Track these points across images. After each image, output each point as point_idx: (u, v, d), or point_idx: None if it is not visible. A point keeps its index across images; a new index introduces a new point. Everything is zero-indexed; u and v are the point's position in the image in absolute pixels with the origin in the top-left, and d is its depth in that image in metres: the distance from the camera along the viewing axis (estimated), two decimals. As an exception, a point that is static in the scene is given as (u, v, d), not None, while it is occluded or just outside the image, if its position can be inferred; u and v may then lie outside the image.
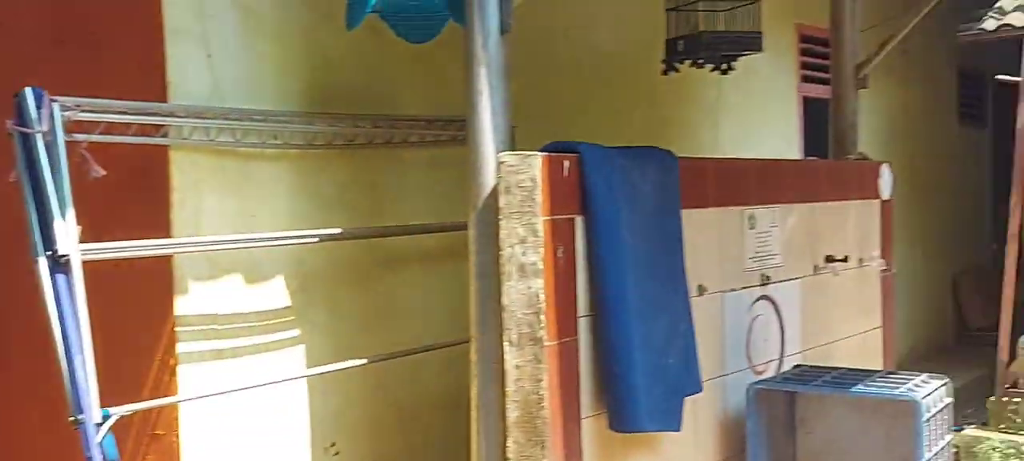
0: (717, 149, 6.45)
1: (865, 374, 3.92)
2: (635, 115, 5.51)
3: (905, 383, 3.67)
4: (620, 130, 4.91)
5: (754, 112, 6.96)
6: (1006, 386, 5.71)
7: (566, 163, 3.15)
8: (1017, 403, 5.67)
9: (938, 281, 9.50)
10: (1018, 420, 5.65)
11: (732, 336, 3.98)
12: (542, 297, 3.04)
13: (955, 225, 9.70)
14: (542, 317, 3.04)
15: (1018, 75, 5.70)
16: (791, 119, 7.43)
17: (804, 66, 7.46)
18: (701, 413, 3.72)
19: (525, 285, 3.07)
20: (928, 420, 3.51)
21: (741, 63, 5.14)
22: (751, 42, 4.99)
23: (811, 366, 4.17)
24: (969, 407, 7.19)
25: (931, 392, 3.60)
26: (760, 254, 4.16)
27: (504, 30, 3.11)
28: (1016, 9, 7.17)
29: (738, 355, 4.02)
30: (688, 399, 3.52)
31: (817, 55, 7.19)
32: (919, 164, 9.08)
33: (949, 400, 3.75)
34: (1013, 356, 5.87)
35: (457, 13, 3.22)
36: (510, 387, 3.10)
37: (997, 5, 7.49)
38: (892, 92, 8.70)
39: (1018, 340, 5.92)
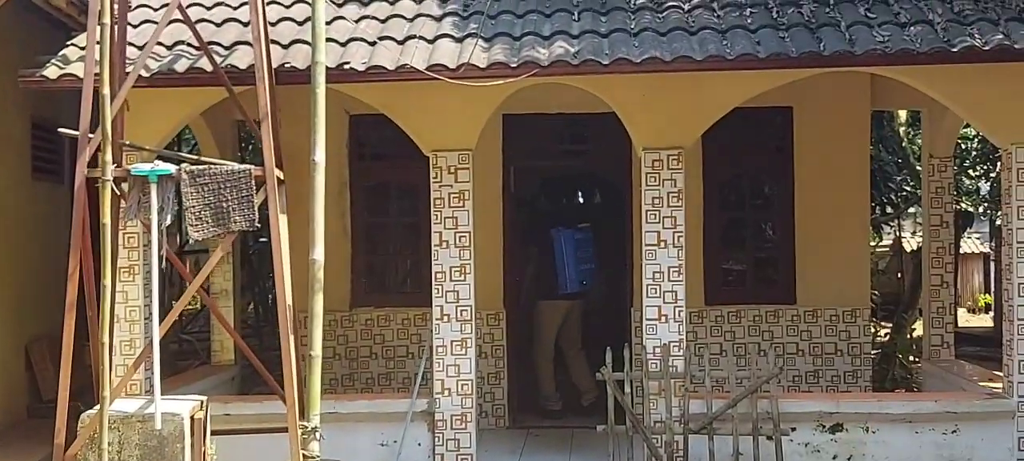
0: None
1: None
2: None
3: None
4: None
5: None
6: (63, 472, 5.15)
7: None
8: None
9: (10, 351, 8.64)
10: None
11: None
12: None
13: (30, 287, 8.94)
14: None
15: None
16: None
17: None
18: None
19: None
20: None
21: None
22: None
23: None
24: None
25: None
26: None
27: None
28: (79, 59, 6.74)
29: None
30: None
31: None
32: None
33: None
34: (74, 436, 5.37)
35: None
36: None
37: (61, 53, 6.98)
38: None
39: (81, 416, 5.43)
